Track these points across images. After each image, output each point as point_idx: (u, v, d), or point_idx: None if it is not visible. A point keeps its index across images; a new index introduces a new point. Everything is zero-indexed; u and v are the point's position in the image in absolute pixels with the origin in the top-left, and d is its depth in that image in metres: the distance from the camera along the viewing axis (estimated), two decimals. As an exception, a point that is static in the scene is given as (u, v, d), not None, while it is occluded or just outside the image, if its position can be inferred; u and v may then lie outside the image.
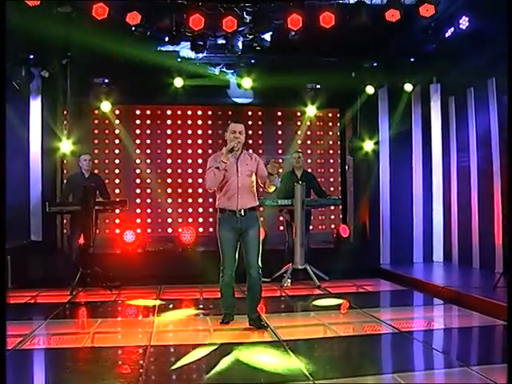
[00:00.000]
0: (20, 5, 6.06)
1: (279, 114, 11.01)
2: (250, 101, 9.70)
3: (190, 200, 10.93)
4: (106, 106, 9.26)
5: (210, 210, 10.90)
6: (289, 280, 7.95)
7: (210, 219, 10.90)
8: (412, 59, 8.81)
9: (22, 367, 4.26)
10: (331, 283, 8.02)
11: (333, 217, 10.92)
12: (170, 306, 6.66)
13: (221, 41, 8.37)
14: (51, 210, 7.56)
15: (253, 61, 9.01)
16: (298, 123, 10.09)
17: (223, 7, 7.14)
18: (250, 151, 5.87)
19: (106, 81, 8.90)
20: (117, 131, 10.68)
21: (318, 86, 9.36)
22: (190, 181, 10.95)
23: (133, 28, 7.24)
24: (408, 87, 9.17)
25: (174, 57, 8.95)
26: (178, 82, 9.08)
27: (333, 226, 10.82)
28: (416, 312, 6.58)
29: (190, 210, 10.94)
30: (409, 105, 9.65)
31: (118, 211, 8.21)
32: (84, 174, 8.03)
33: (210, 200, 10.92)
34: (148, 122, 10.81)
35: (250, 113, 10.84)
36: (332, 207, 10.32)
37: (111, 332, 5.42)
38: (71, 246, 7.93)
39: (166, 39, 7.81)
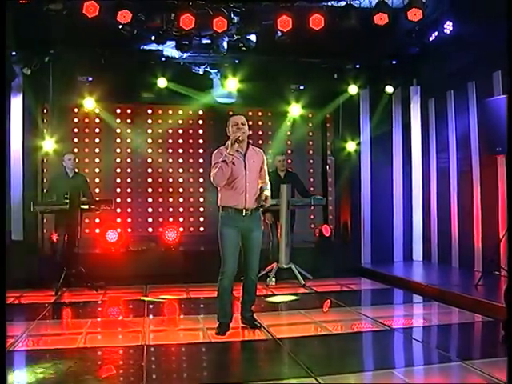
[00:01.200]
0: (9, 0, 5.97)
1: (260, 114, 11.08)
2: (233, 101, 9.74)
3: (170, 199, 10.92)
4: (89, 104, 9.19)
5: (191, 209, 10.95)
6: (274, 279, 8.04)
7: (191, 219, 10.95)
8: (394, 62, 9.00)
9: (19, 368, 4.24)
10: (315, 282, 8.14)
11: (312, 216, 11.04)
12: (159, 305, 6.68)
13: (206, 41, 8.43)
14: (36, 210, 7.49)
15: (237, 61, 9.07)
16: (281, 124, 10.18)
17: (211, 7, 7.18)
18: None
19: (90, 79, 8.84)
20: (97, 130, 10.63)
21: (302, 87, 9.47)
22: (170, 180, 10.94)
23: (120, 26, 7.24)
24: (389, 89, 9.34)
25: (158, 56, 8.97)
26: (162, 83, 9.08)
27: (312, 226, 10.95)
28: (403, 309, 6.73)
29: (171, 209, 10.93)
30: (390, 106, 9.84)
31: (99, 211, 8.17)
32: (68, 174, 7.98)
33: (191, 200, 10.97)
34: (129, 120, 10.75)
35: (231, 113, 10.85)
36: (312, 207, 10.44)
37: (104, 332, 5.41)
38: (55, 246, 7.87)
39: (153, 38, 7.82)
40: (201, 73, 9.21)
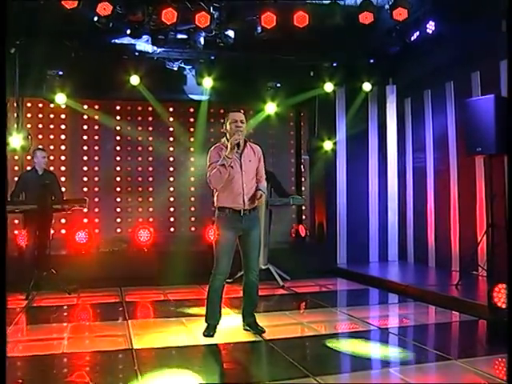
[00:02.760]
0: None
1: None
2: (207, 98, 9.72)
3: (140, 199, 10.82)
4: (58, 99, 8.99)
5: (161, 209, 10.85)
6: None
7: (161, 218, 10.85)
8: (372, 60, 9.17)
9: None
10: (293, 283, 8.24)
11: (287, 216, 11.09)
12: (139, 308, 6.62)
13: (182, 36, 8.39)
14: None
15: (213, 57, 9.06)
16: (257, 122, 10.22)
17: (191, 2, 7.15)
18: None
19: (61, 73, 8.67)
20: (63, 126, 10.44)
21: (279, 85, 9.53)
22: (140, 179, 10.84)
23: (95, 18, 7.14)
24: (366, 87, 9.51)
25: (130, 50, 8.87)
26: (135, 80, 8.97)
27: (288, 226, 11.02)
28: (386, 310, 6.89)
29: (140, 209, 10.82)
30: (366, 105, 10.00)
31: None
32: (37, 171, 7.80)
33: (161, 198, 10.87)
34: (96, 117, 10.58)
35: (202, 110, 10.77)
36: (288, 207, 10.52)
37: (86, 337, 5.33)
38: (25, 247, 7.68)
39: (128, 32, 7.73)
40: (175, 69, 9.15)
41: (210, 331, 5.08)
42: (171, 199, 10.89)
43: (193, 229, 10.86)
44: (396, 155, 10.05)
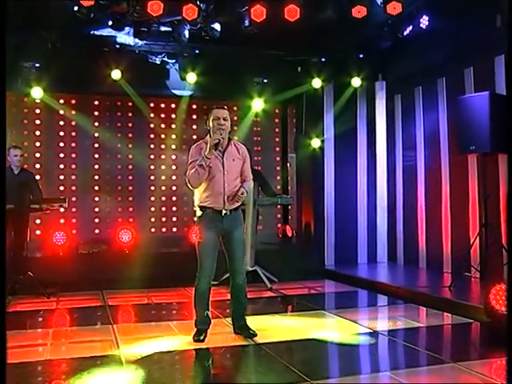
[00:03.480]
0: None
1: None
2: (191, 93, 9.70)
3: (119, 198, 10.77)
4: (35, 93, 8.90)
5: (142, 209, 10.80)
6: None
7: (142, 218, 10.80)
8: (361, 55, 9.25)
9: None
10: (280, 285, 8.28)
11: (273, 216, 11.16)
12: (123, 312, 6.59)
13: (166, 28, 8.38)
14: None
15: (197, 51, 9.05)
16: (243, 118, 10.24)
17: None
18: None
19: (37, 65, 8.59)
20: (37, 121, 10.34)
21: (265, 81, 9.56)
22: (119, 177, 10.79)
23: (75, 8, 7.10)
24: (356, 82, 9.56)
25: (111, 43, 8.82)
26: (116, 75, 8.90)
27: (275, 226, 11.08)
28: (379, 312, 6.95)
29: (120, 209, 10.78)
30: (354, 102, 10.08)
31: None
32: (13, 170, 7.71)
33: (141, 198, 10.82)
34: (73, 112, 10.49)
35: (184, 106, 10.75)
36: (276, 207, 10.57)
37: (72, 342, 5.27)
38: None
39: (110, 23, 7.70)
40: (158, 62, 9.11)
41: (200, 336, 5.08)
42: (152, 199, 10.85)
43: (175, 229, 10.84)
44: (385, 153, 10.16)
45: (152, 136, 10.95)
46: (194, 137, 10.47)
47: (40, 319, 6.26)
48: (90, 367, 4.37)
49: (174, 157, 10.86)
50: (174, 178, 10.86)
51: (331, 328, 5.84)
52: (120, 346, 4.98)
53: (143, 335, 5.47)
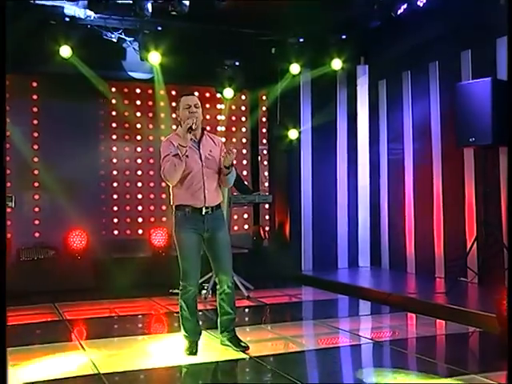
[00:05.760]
0: None
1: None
2: (151, 77, 9.67)
3: (68, 195, 10.55)
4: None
5: (93, 209, 10.63)
6: (210, 291, 8.08)
7: (100, 219, 10.63)
8: (344, 36, 9.43)
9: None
10: (257, 293, 8.42)
11: (246, 216, 11.30)
12: (87, 326, 6.57)
13: (125, 0, 8.35)
14: None
15: (160, 28, 9.03)
16: (211, 106, 10.27)
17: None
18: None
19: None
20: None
21: (238, 64, 9.60)
22: (63, 172, 10.59)
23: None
24: (336, 64, 9.61)
25: (58, 15, 8.68)
26: (65, 52, 8.72)
27: (246, 228, 11.19)
28: (374, 320, 7.11)
29: (69, 208, 10.52)
30: (334, 88, 10.27)
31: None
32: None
33: (91, 196, 10.65)
34: (7, 95, 10.24)
35: (150, 91, 10.75)
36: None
37: (40, 362, 5.15)
38: None
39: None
40: (114, 40, 9.04)
41: (192, 348, 5.18)
42: (115, 196, 10.73)
43: (140, 231, 10.74)
44: (368, 146, 10.38)
45: (114, 125, 10.76)
46: (162, 126, 10.52)
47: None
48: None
49: (139, 149, 10.77)
50: (139, 173, 10.77)
51: (326, 339, 5.98)
52: (97, 366, 4.94)
53: (120, 352, 5.48)
